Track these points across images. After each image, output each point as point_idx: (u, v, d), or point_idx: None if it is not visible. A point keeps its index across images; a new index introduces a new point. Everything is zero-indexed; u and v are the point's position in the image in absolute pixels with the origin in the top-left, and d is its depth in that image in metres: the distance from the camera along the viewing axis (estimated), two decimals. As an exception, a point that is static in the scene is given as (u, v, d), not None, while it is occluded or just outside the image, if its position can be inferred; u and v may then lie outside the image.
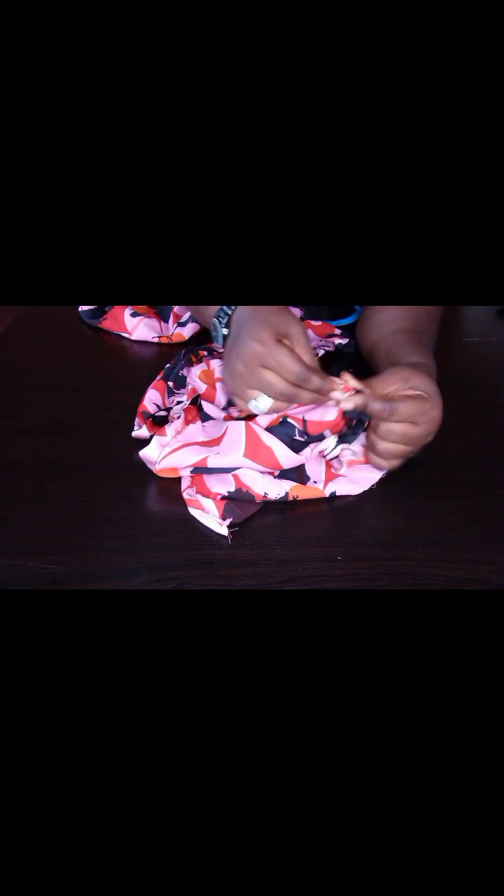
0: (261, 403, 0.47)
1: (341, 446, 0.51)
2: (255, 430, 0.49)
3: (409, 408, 0.46)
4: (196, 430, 0.51)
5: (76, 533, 0.45)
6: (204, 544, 0.45)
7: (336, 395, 0.47)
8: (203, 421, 0.53)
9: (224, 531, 0.46)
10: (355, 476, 0.50)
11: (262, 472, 0.48)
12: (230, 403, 0.56)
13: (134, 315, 0.71)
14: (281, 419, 0.50)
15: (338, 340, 0.67)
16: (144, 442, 0.52)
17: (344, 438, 0.51)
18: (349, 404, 0.47)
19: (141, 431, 0.53)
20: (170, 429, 0.51)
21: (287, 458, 0.49)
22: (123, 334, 0.71)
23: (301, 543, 0.46)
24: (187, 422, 0.52)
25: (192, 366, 0.59)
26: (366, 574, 0.43)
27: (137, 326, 0.70)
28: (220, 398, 0.56)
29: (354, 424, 0.50)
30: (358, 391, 0.47)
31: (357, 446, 0.51)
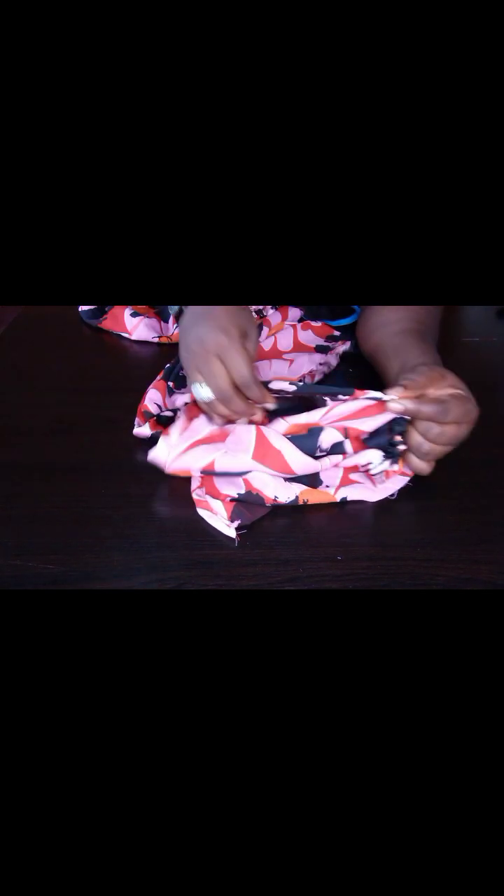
0: (204, 391, 0.47)
1: (388, 461, 0.49)
2: (264, 433, 0.48)
3: (458, 407, 0.45)
4: (202, 424, 0.51)
5: (76, 533, 0.45)
6: (204, 544, 0.45)
7: (385, 395, 0.46)
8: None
9: (232, 533, 0.45)
10: (371, 486, 0.49)
11: (273, 475, 0.48)
12: None
13: (134, 315, 0.71)
14: (308, 429, 0.48)
15: (341, 348, 0.66)
16: (146, 440, 0.53)
17: (390, 453, 0.49)
18: (399, 406, 0.46)
19: (142, 430, 0.53)
20: (174, 429, 0.50)
21: (300, 464, 0.47)
22: (123, 334, 0.71)
23: (301, 543, 0.46)
24: (190, 418, 0.52)
25: None
26: (366, 574, 0.43)
27: (137, 326, 0.70)
28: None
29: (395, 435, 0.48)
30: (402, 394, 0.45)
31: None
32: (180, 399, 0.57)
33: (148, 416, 0.54)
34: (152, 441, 0.53)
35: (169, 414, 0.55)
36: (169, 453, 0.49)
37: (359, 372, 0.63)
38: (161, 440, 0.50)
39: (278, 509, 0.48)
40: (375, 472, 0.49)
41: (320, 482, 0.49)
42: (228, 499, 0.47)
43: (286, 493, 0.47)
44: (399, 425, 0.48)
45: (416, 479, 0.51)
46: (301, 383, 0.51)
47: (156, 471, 0.51)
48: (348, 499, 0.49)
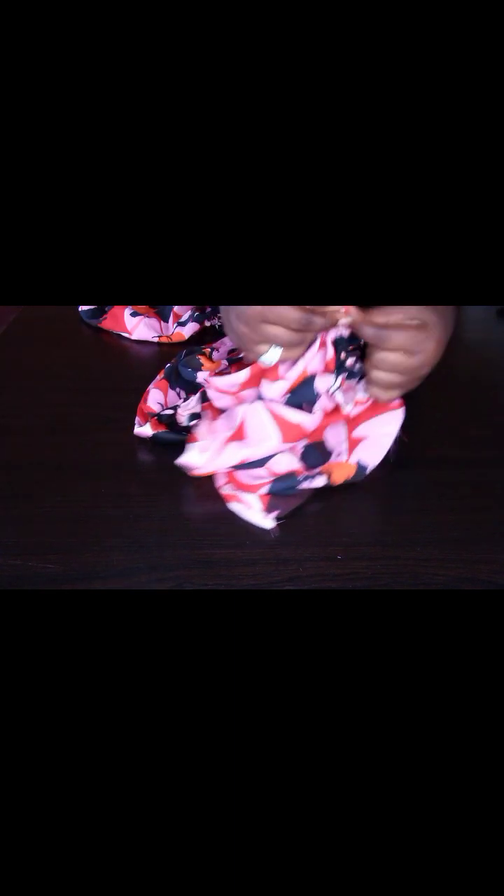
0: (271, 356, 0.47)
1: (340, 377, 0.50)
2: (279, 413, 0.49)
3: (403, 337, 0.44)
4: (222, 424, 0.51)
5: (76, 533, 0.45)
6: (204, 544, 0.45)
7: (333, 309, 0.46)
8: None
9: (270, 523, 0.46)
10: (374, 434, 0.50)
11: (290, 458, 0.49)
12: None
13: (134, 315, 0.71)
14: (304, 379, 0.49)
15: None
16: (146, 440, 0.53)
17: (340, 370, 0.50)
18: (344, 320, 0.46)
19: (143, 429, 0.53)
20: (201, 430, 0.50)
21: (309, 421, 0.49)
22: (123, 334, 0.71)
23: (301, 543, 0.46)
24: (212, 419, 0.52)
25: (202, 369, 0.59)
26: (366, 574, 0.43)
27: (137, 326, 0.70)
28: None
29: (344, 357, 0.49)
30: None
31: (360, 387, 0.50)
32: (186, 399, 0.57)
33: (151, 416, 0.55)
34: (157, 441, 0.53)
35: (169, 412, 0.55)
36: (201, 456, 0.49)
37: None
38: (193, 445, 0.50)
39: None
40: (333, 390, 0.50)
41: (329, 452, 0.50)
42: (261, 491, 0.48)
43: (319, 481, 0.48)
44: (339, 344, 0.49)
45: (417, 480, 0.51)
46: None
47: (156, 470, 0.51)
48: (362, 462, 0.49)
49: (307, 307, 0.45)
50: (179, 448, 0.52)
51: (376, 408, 0.51)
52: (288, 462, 0.49)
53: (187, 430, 0.53)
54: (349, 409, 0.51)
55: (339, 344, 0.49)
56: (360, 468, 0.50)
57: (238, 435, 0.50)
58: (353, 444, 0.50)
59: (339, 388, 0.50)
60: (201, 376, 0.57)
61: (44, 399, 0.60)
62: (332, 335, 0.49)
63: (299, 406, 0.49)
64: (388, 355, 0.46)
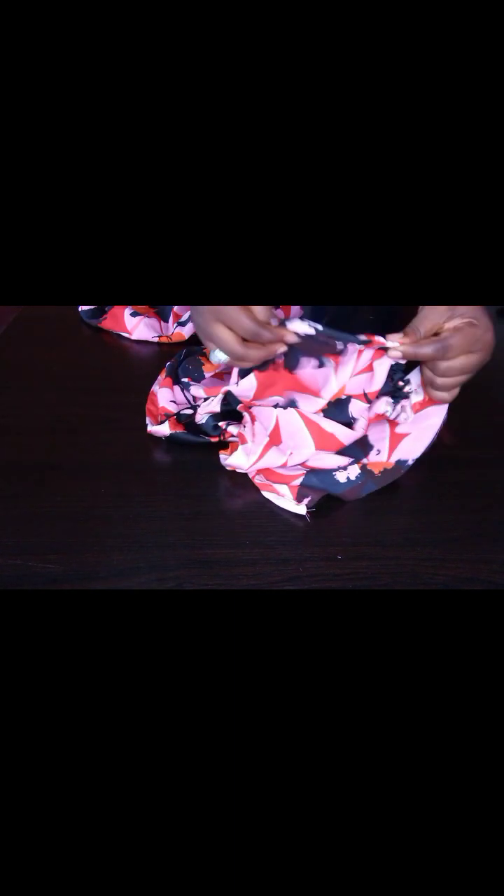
0: (218, 355, 0.48)
1: (399, 403, 0.51)
2: (314, 421, 0.50)
3: (462, 340, 0.45)
4: (260, 428, 0.52)
5: (76, 533, 0.45)
6: (204, 544, 0.45)
7: (387, 342, 0.47)
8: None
9: (302, 510, 0.48)
10: (417, 428, 0.51)
11: (330, 455, 0.50)
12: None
13: (134, 315, 0.71)
14: (337, 398, 0.51)
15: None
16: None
17: (397, 396, 0.51)
18: (397, 353, 0.46)
19: (160, 428, 0.53)
20: (247, 432, 0.51)
21: (347, 435, 0.50)
22: (123, 334, 0.71)
23: (301, 543, 0.46)
24: (252, 420, 0.53)
25: (202, 369, 0.59)
26: (366, 574, 0.43)
27: (137, 326, 0.70)
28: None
29: (401, 383, 0.50)
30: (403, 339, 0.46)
31: (415, 387, 0.51)
32: (196, 389, 0.57)
33: (168, 416, 0.54)
34: (173, 441, 0.53)
35: (188, 412, 0.54)
36: (247, 459, 0.50)
37: (379, 319, 0.62)
38: (240, 448, 0.50)
39: (273, 507, 0.48)
40: (394, 416, 0.51)
41: (371, 447, 0.51)
42: (294, 483, 0.49)
43: (342, 461, 0.50)
44: (396, 372, 0.49)
45: (417, 480, 0.51)
46: (320, 327, 0.50)
47: (156, 470, 0.51)
48: (403, 459, 0.50)
49: (261, 317, 0.45)
50: (190, 448, 0.53)
51: (422, 403, 0.52)
52: (328, 461, 0.50)
53: (204, 431, 0.53)
54: (409, 419, 0.51)
55: (395, 372, 0.49)
56: (400, 463, 0.51)
57: (274, 439, 0.51)
58: (396, 440, 0.51)
59: (398, 413, 0.51)
60: (196, 391, 0.57)
61: (44, 399, 0.60)
62: (385, 364, 0.49)
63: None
64: (453, 363, 0.46)
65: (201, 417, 0.54)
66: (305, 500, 0.48)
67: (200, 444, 0.53)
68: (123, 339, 0.71)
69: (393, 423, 0.52)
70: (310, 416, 0.50)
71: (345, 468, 0.50)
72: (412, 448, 0.51)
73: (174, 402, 0.57)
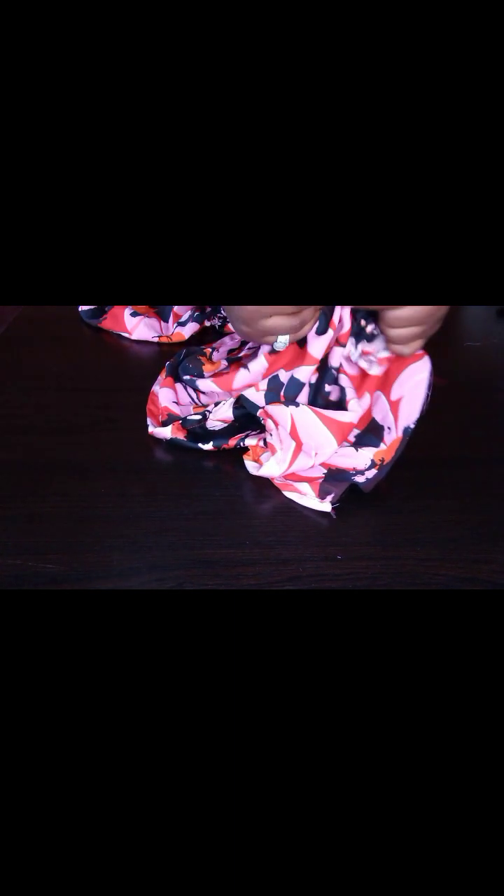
0: (280, 343, 0.48)
1: (360, 345, 0.51)
2: (325, 415, 0.50)
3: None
4: (285, 432, 0.52)
5: (76, 533, 0.45)
6: (204, 544, 0.45)
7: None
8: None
9: (327, 507, 0.48)
10: (407, 389, 0.50)
11: (340, 449, 0.50)
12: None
13: (134, 315, 0.71)
14: (323, 358, 0.51)
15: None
16: (145, 440, 0.52)
17: (359, 337, 0.51)
18: None
19: (162, 431, 0.53)
20: (274, 440, 0.51)
21: (355, 414, 0.50)
22: (123, 334, 0.71)
23: (301, 543, 0.46)
24: (276, 425, 0.53)
25: (202, 369, 0.59)
26: (366, 574, 0.43)
27: (137, 326, 0.70)
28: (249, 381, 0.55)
29: (364, 324, 0.50)
30: None
31: (380, 345, 0.51)
32: (204, 383, 0.57)
33: (173, 419, 0.54)
34: (173, 445, 0.53)
35: (196, 417, 0.54)
36: (279, 467, 0.50)
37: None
38: (272, 458, 0.50)
39: (273, 506, 0.48)
40: (355, 357, 0.51)
41: (383, 428, 0.51)
42: (320, 480, 0.49)
43: (362, 460, 0.50)
44: (358, 312, 0.50)
45: (417, 480, 0.51)
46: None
47: (156, 470, 0.51)
48: (407, 426, 0.50)
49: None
50: (191, 449, 0.53)
51: (401, 362, 0.51)
52: (347, 461, 0.50)
53: (212, 436, 0.53)
54: (376, 371, 0.51)
55: (356, 313, 0.50)
56: (406, 432, 0.51)
57: (297, 441, 0.51)
58: (395, 408, 0.51)
59: (360, 355, 0.51)
60: (203, 384, 0.57)
61: (44, 399, 0.60)
62: (347, 309, 0.50)
63: (326, 393, 0.51)
64: (399, 311, 0.46)
65: (214, 424, 0.53)
66: (329, 497, 0.48)
67: (191, 449, 0.53)
68: (123, 339, 0.71)
69: (386, 391, 0.52)
70: (320, 411, 0.50)
71: (362, 472, 0.50)
72: (410, 411, 0.51)
73: (176, 402, 0.57)
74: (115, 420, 0.57)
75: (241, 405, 0.53)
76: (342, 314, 0.50)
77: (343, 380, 0.52)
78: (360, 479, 0.50)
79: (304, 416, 0.50)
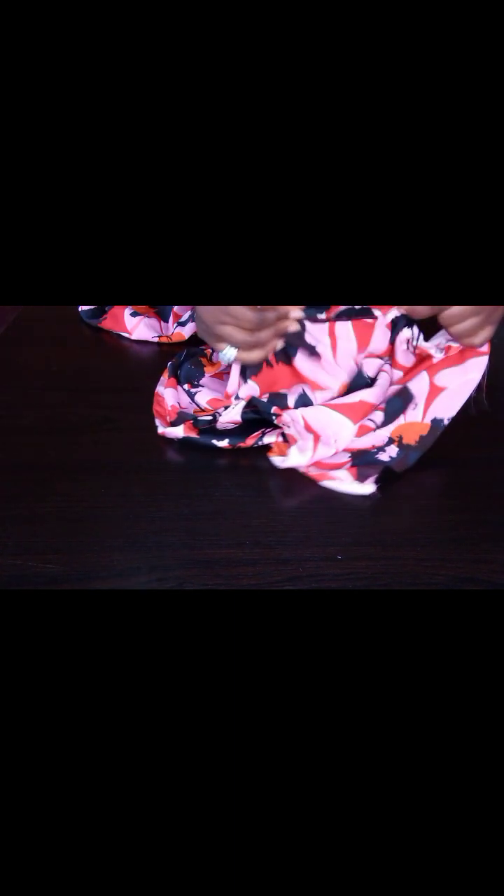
0: (227, 354, 0.49)
1: (414, 328, 0.52)
2: (336, 402, 0.51)
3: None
4: (299, 426, 0.52)
5: (76, 533, 0.45)
6: (204, 544, 0.45)
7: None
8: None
9: (370, 489, 0.48)
10: (457, 383, 0.51)
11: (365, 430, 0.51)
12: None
13: (134, 315, 0.71)
14: (356, 371, 0.52)
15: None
16: (147, 440, 0.52)
17: (411, 322, 0.52)
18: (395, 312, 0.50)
19: (173, 430, 0.53)
20: (293, 431, 0.51)
21: (372, 393, 0.51)
22: (123, 334, 0.71)
23: (301, 543, 0.45)
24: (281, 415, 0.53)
25: (203, 370, 0.59)
26: (365, 574, 0.43)
27: (137, 326, 0.70)
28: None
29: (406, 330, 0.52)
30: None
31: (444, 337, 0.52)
32: (202, 396, 0.57)
33: (184, 418, 0.54)
34: (185, 444, 0.53)
35: (208, 418, 0.54)
36: (303, 456, 0.50)
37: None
38: (294, 448, 0.51)
39: (272, 506, 0.48)
40: (421, 343, 0.52)
41: (412, 397, 0.51)
42: (348, 465, 0.50)
43: (380, 437, 0.51)
44: (399, 323, 0.52)
45: (417, 480, 0.51)
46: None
47: (156, 470, 0.51)
48: (437, 417, 0.51)
49: (262, 310, 0.46)
50: (191, 448, 0.53)
51: (464, 353, 0.52)
52: (364, 440, 0.51)
53: (227, 434, 0.53)
54: (439, 357, 0.52)
55: (397, 324, 0.51)
56: (436, 423, 0.51)
57: (313, 432, 0.51)
58: (434, 393, 0.51)
59: (419, 337, 0.52)
60: (200, 398, 0.57)
61: (44, 399, 0.60)
62: (382, 324, 0.51)
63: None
64: (454, 309, 0.46)
65: (225, 424, 0.53)
66: (371, 479, 0.49)
67: (206, 446, 0.53)
68: (123, 339, 0.71)
69: (432, 372, 0.52)
70: (330, 402, 0.51)
71: (384, 448, 0.51)
72: (449, 404, 0.51)
73: (179, 403, 0.56)
74: (115, 420, 0.57)
75: (251, 409, 0.53)
76: (377, 332, 0.51)
77: (382, 376, 0.52)
78: (383, 457, 0.50)
79: (314, 412, 0.51)
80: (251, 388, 0.52)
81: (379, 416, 0.52)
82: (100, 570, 0.43)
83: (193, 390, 0.57)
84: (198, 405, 0.56)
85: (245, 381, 0.52)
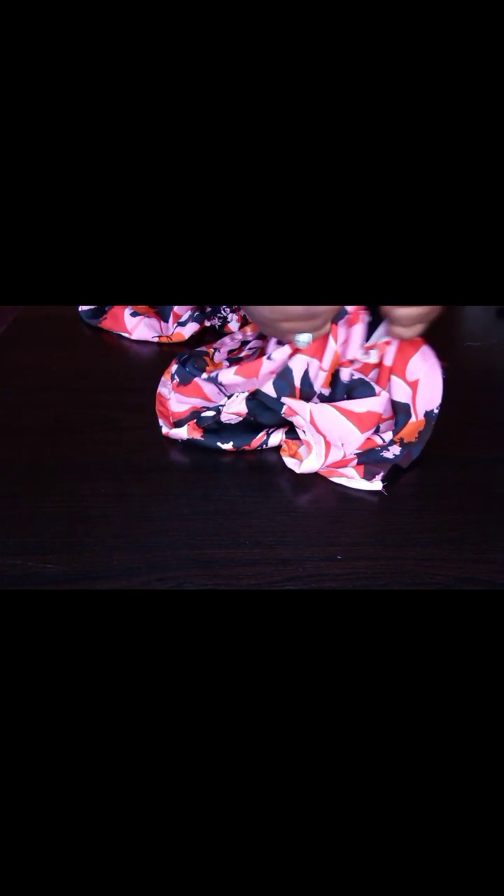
0: (302, 340, 0.50)
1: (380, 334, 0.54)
2: (345, 408, 0.52)
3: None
4: (310, 429, 0.53)
5: (76, 533, 0.45)
6: (204, 544, 0.45)
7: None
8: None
9: (377, 486, 0.49)
10: (425, 372, 0.52)
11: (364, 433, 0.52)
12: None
13: (134, 315, 0.71)
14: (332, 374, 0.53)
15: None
16: (147, 441, 0.52)
17: (375, 327, 0.54)
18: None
19: (178, 431, 0.53)
20: (309, 436, 0.52)
21: (378, 402, 0.52)
22: (123, 334, 0.71)
23: (301, 543, 0.46)
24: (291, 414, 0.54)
25: (206, 370, 0.59)
26: (365, 574, 0.43)
27: (137, 326, 0.70)
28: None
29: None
30: None
31: (380, 332, 0.54)
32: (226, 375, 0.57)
33: (192, 416, 0.54)
34: (190, 445, 0.53)
35: (210, 414, 0.54)
36: (318, 461, 0.51)
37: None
38: (311, 454, 0.51)
39: (272, 506, 0.48)
40: (359, 356, 0.54)
41: (409, 406, 0.53)
42: (354, 463, 0.51)
43: (394, 449, 0.52)
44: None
45: (417, 480, 0.51)
46: None
47: (156, 470, 0.51)
48: (428, 409, 0.52)
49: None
50: (192, 448, 0.53)
51: (405, 351, 0.53)
52: (367, 441, 0.52)
53: (232, 436, 0.53)
54: (374, 359, 0.54)
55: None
56: (428, 416, 0.53)
57: (319, 433, 0.52)
58: (414, 389, 0.53)
59: (362, 352, 0.54)
60: (226, 377, 0.57)
61: (44, 399, 0.60)
62: (360, 328, 0.53)
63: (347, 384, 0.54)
64: (410, 309, 0.47)
65: (229, 417, 0.53)
66: (377, 476, 0.50)
67: (210, 448, 0.53)
68: (123, 339, 0.71)
69: (401, 374, 0.53)
70: (338, 405, 0.52)
71: (387, 447, 0.52)
72: (431, 395, 0.53)
73: (207, 394, 0.57)
74: (115, 420, 0.57)
75: (255, 396, 0.53)
76: (351, 330, 0.52)
77: (356, 375, 0.54)
78: (388, 454, 0.51)
79: (322, 411, 0.51)
80: (283, 351, 0.53)
81: (388, 435, 0.53)
82: (100, 570, 0.43)
83: (215, 372, 0.57)
84: (224, 386, 0.56)
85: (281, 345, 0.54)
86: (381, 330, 0.53)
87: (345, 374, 0.54)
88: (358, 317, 0.54)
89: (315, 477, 0.51)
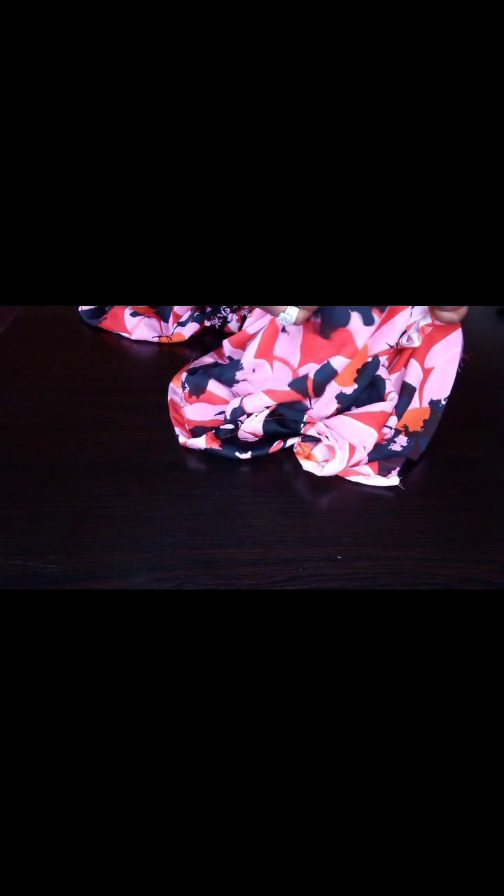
0: (290, 315, 0.50)
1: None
2: (361, 412, 0.52)
3: None
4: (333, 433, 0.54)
5: (76, 533, 0.45)
6: (204, 544, 0.45)
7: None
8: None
9: (394, 481, 0.50)
10: (442, 361, 0.52)
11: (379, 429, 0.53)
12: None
13: (134, 315, 0.71)
14: (364, 363, 0.53)
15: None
16: (144, 442, 0.52)
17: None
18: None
19: (196, 441, 0.53)
20: (332, 441, 0.52)
21: (389, 405, 0.52)
22: (123, 334, 0.71)
23: (301, 543, 0.46)
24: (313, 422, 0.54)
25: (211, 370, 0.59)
26: (366, 574, 0.43)
27: (137, 326, 0.70)
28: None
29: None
30: None
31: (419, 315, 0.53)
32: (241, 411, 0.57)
33: (205, 429, 0.54)
34: (208, 454, 0.53)
35: (230, 427, 0.54)
36: (341, 464, 0.51)
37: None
38: (337, 457, 0.51)
39: (273, 505, 0.48)
40: (415, 337, 0.53)
41: (413, 389, 0.53)
42: (366, 461, 0.51)
43: (401, 441, 0.53)
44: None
45: (417, 480, 0.51)
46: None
47: (156, 470, 0.51)
48: (435, 399, 0.53)
49: None
50: (192, 449, 0.52)
51: (438, 333, 0.53)
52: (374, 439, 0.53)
53: (243, 448, 0.53)
54: (417, 343, 0.53)
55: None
56: (434, 405, 0.53)
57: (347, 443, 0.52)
58: (426, 376, 0.53)
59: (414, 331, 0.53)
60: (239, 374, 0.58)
61: (44, 399, 0.60)
62: (406, 314, 0.52)
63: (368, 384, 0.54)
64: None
65: (246, 435, 0.53)
66: (394, 472, 0.51)
67: (228, 458, 0.53)
68: (123, 339, 0.71)
69: (419, 357, 0.53)
70: (350, 412, 0.52)
71: (394, 440, 0.53)
72: (441, 384, 0.53)
73: (221, 404, 0.57)
74: (115, 420, 0.57)
75: (273, 417, 0.53)
76: (398, 316, 0.52)
77: (381, 370, 0.54)
78: (395, 446, 0.52)
79: (337, 423, 0.52)
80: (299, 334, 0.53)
81: (392, 420, 0.53)
82: (100, 570, 0.43)
83: (235, 368, 0.57)
84: (236, 386, 0.57)
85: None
86: (420, 312, 0.52)
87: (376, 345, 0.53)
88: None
89: (315, 477, 0.51)
